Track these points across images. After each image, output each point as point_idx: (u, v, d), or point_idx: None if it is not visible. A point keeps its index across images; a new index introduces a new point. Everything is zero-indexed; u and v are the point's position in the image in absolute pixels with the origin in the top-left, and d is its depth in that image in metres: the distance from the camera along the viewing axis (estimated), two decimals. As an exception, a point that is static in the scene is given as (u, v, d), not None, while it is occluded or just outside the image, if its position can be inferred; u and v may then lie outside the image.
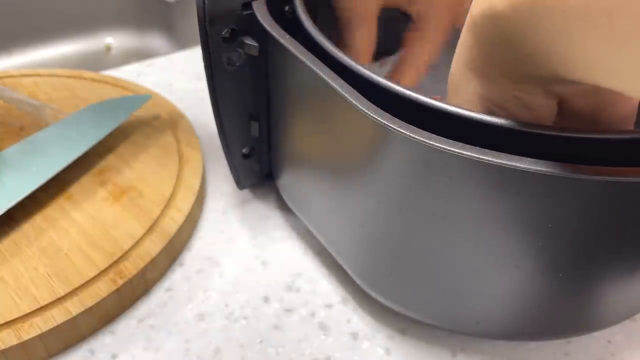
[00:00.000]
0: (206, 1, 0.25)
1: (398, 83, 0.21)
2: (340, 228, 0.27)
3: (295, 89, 0.26)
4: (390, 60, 0.32)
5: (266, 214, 0.36)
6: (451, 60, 0.21)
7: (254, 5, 0.27)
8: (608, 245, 0.21)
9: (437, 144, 0.19)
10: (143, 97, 0.40)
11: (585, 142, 0.19)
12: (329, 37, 0.24)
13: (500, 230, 0.21)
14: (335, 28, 0.32)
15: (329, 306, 0.30)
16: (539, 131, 0.19)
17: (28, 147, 0.35)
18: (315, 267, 0.32)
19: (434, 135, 0.19)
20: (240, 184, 0.34)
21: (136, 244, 0.30)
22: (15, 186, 0.31)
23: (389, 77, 0.27)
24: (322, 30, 0.25)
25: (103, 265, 0.29)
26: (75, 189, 0.32)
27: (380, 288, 0.27)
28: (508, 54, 0.18)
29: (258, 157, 0.33)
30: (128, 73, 0.49)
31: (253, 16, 0.26)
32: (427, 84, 0.34)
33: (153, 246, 0.30)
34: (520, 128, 0.19)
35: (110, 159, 0.36)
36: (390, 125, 0.20)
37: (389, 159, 0.22)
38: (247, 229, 0.35)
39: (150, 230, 0.31)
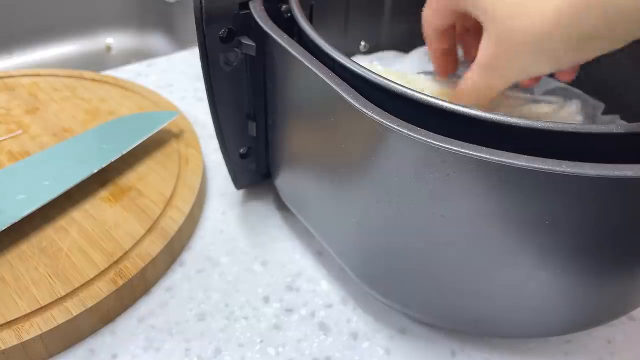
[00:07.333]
0: (203, 1, 0.25)
1: (394, 82, 0.21)
2: (339, 227, 0.27)
3: (293, 88, 0.26)
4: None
5: (266, 213, 0.36)
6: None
7: (251, 4, 0.26)
8: (605, 241, 0.21)
9: (435, 142, 0.19)
10: (169, 113, 0.39)
11: (581, 138, 0.19)
12: (325, 37, 0.24)
13: (498, 228, 0.21)
14: (331, 27, 0.32)
15: (328, 306, 0.30)
16: (535, 127, 0.19)
17: (44, 159, 0.34)
18: (315, 267, 0.32)
19: (432, 133, 0.19)
20: (237, 183, 0.34)
21: (136, 243, 0.30)
22: (24, 200, 0.30)
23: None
24: (318, 29, 0.25)
25: (103, 265, 0.29)
26: (75, 189, 0.32)
27: (379, 287, 0.27)
28: None
29: (255, 156, 0.33)
30: (128, 73, 0.49)
31: (250, 16, 0.26)
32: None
33: (153, 246, 0.30)
34: (518, 124, 0.19)
35: (110, 159, 0.36)
36: (389, 123, 0.20)
37: (387, 157, 0.22)
38: (247, 229, 0.35)
39: (150, 230, 0.31)
